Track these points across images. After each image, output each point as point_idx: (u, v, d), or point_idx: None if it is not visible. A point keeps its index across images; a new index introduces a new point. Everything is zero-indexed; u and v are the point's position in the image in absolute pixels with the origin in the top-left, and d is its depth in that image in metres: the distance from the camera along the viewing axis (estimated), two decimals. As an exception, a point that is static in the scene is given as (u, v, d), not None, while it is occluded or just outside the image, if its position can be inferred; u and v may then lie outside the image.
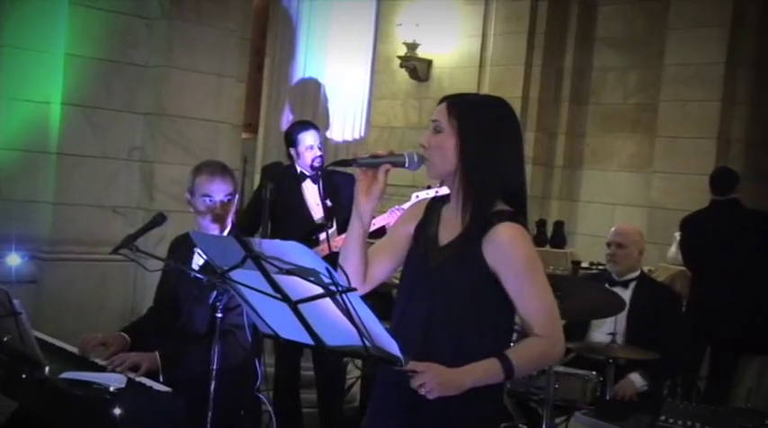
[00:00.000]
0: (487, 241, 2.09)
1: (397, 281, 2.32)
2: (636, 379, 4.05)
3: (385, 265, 2.26)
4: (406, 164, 2.14)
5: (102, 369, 2.89)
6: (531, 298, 2.08)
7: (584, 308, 3.86)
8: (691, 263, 5.84)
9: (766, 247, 5.43)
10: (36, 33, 4.58)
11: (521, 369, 2.05)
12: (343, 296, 1.76)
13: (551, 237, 8.29)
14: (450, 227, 2.18)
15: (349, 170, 4.00)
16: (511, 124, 2.19)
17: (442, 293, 2.12)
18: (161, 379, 2.88)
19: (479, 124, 2.14)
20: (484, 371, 2.03)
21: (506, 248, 2.08)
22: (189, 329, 3.19)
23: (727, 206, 5.55)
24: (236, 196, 3.32)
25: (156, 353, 2.96)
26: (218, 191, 3.24)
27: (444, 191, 2.28)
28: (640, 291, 4.27)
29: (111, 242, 3.13)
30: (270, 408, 3.51)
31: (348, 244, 2.21)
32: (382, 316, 2.18)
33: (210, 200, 3.23)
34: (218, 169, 3.31)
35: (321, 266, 1.76)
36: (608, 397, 3.80)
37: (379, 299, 2.29)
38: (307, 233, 4.59)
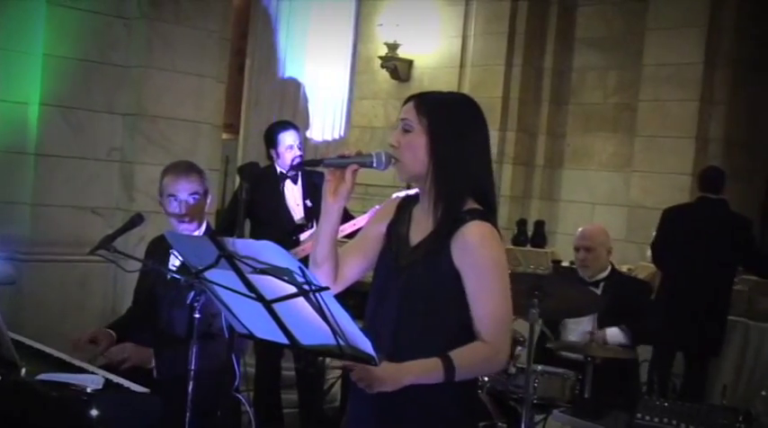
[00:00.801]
0: (456, 239, 2.09)
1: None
2: (614, 333, 4.10)
3: (356, 265, 2.26)
4: (374, 165, 2.13)
5: (78, 370, 2.89)
6: (486, 303, 2.07)
7: (563, 307, 3.88)
8: (663, 254, 5.84)
9: (741, 250, 5.52)
10: (14, 33, 4.56)
11: (462, 372, 2.02)
12: (317, 295, 1.77)
13: (532, 237, 8.32)
14: (420, 227, 2.18)
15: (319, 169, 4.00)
16: (479, 122, 2.19)
17: (412, 292, 2.12)
18: (155, 375, 2.89)
19: (449, 122, 2.14)
20: (424, 370, 2.01)
21: (473, 248, 2.07)
22: (169, 331, 3.20)
23: (717, 204, 5.62)
24: (207, 196, 3.30)
25: (152, 351, 2.99)
26: (182, 190, 3.24)
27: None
28: (610, 289, 4.32)
29: (91, 243, 3.12)
30: (249, 409, 3.52)
31: (318, 244, 2.21)
32: (361, 315, 2.20)
33: (176, 200, 3.24)
34: (182, 169, 3.30)
35: (294, 265, 1.76)
36: (586, 395, 3.83)
37: (361, 299, 2.29)
38: (287, 233, 4.60)
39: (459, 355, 2.03)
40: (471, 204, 2.14)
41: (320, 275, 2.14)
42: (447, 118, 2.14)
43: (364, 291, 2.31)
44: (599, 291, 4.30)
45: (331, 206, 2.16)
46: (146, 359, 2.93)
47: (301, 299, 1.80)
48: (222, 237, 1.88)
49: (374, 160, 2.13)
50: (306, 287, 1.77)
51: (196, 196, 3.24)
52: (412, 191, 2.31)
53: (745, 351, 5.90)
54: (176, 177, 3.26)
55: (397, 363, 1.98)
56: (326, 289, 1.77)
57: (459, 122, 2.15)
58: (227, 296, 1.97)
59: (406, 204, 2.27)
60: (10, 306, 4.32)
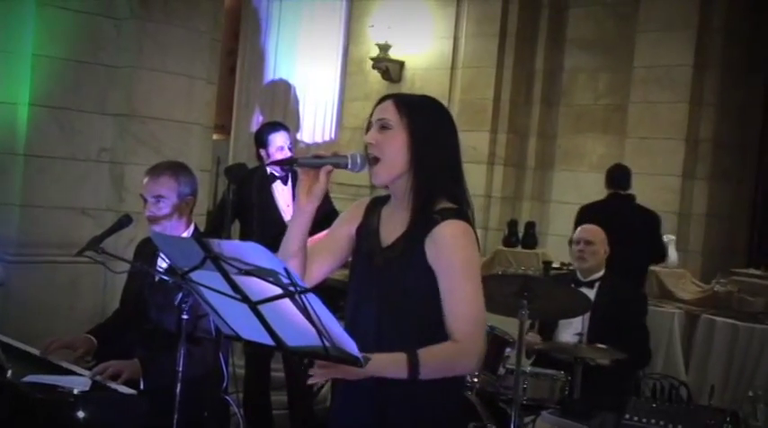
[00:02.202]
0: (429, 239, 2.09)
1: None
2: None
3: (324, 265, 2.26)
4: (349, 166, 2.13)
5: (67, 371, 2.88)
6: (459, 302, 2.06)
7: (552, 308, 3.89)
8: None
9: (647, 240, 5.82)
10: (3, 33, 4.55)
11: (427, 369, 2.00)
12: (302, 296, 1.77)
13: (523, 238, 8.33)
14: (393, 226, 2.18)
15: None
16: (453, 124, 2.23)
17: (389, 293, 2.12)
18: (142, 386, 2.87)
19: (429, 122, 2.16)
20: (388, 364, 1.99)
21: (446, 246, 2.08)
22: (157, 333, 3.18)
23: (626, 199, 6.12)
24: (186, 198, 3.26)
25: (137, 360, 2.95)
26: (148, 192, 3.24)
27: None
28: (605, 291, 4.31)
29: (81, 244, 3.11)
30: (238, 411, 3.51)
31: (288, 243, 2.20)
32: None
33: (145, 202, 3.24)
34: (153, 170, 3.29)
35: (280, 267, 1.76)
36: (575, 396, 3.83)
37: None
38: (278, 234, 4.58)
39: (427, 352, 2.01)
40: (445, 203, 2.15)
41: None
42: (426, 118, 2.16)
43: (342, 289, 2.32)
44: (594, 292, 4.29)
45: (304, 206, 2.17)
46: (135, 372, 2.91)
47: (287, 301, 1.80)
48: (208, 239, 1.88)
49: (349, 161, 2.13)
50: (291, 288, 1.77)
51: (159, 199, 3.21)
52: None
53: (733, 352, 5.92)
54: (146, 179, 3.27)
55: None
56: (312, 290, 1.77)
57: (436, 122, 2.18)
58: (214, 297, 1.97)
59: (374, 206, 2.28)
60: (-2, 307, 4.31)
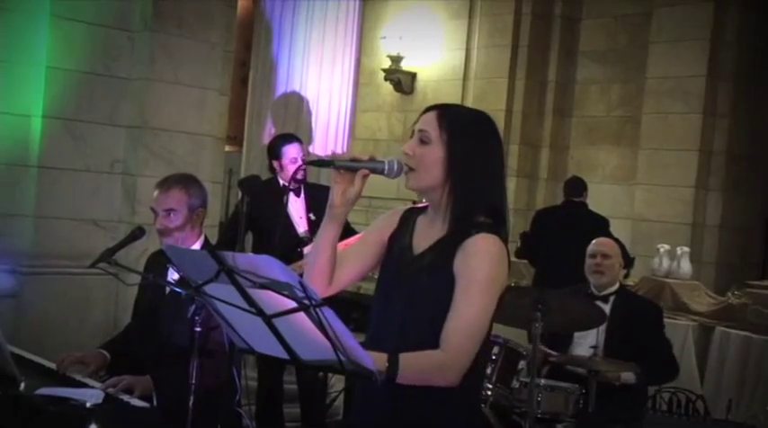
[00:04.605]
0: (462, 248, 2.07)
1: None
2: (629, 376, 4.05)
3: (353, 271, 2.23)
4: (386, 172, 2.09)
5: (79, 384, 2.87)
6: (461, 316, 2.02)
7: (566, 321, 3.86)
8: (535, 249, 6.88)
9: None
10: (17, 46, 4.57)
11: (406, 374, 1.95)
12: (317, 310, 1.75)
13: (536, 250, 8.29)
14: (426, 237, 2.16)
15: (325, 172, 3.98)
16: (497, 141, 2.17)
17: (417, 301, 2.10)
18: (155, 402, 2.85)
19: (471, 140, 2.11)
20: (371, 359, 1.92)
21: (474, 258, 2.05)
22: (169, 345, 3.17)
23: (579, 206, 6.72)
24: (196, 210, 3.24)
25: (149, 377, 2.93)
26: (159, 205, 3.23)
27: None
28: (620, 305, 4.27)
29: (93, 255, 3.10)
30: (251, 423, 3.49)
31: (319, 245, 2.18)
32: (364, 328, 2.18)
33: (155, 214, 3.23)
34: (163, 183, 3.28)
35: (294, 280, 1.75)
36: (590, 409, 3.80)
37: (364, 312, 2.28)
38: (291, 247, 4.58)
39: (409, 357, 1.98)
40: (482, 218, 2.12)
41: (316, 278, 2.13)
42: (468, 136, 2.11)
43: (367, 304, 2.30)
44: (608, 306, 4.25)
45: (337, 209, 2.13)
46: (147, 388, 2.89)
47: (301, 314, 1.79)
48: (222, 251, 1.87)
49: (386, 167, 2.09)
50: (306, 302, 1.76)
51: (170, 212, 3.20)
52: (420, 205, 2.28)
53: (748, 364, 5.86)
54: (157, 192, 3.26)
55: None
56: (326, 304, 1.76)
57: (479, 141, 2.13)
58: (227, 310, 1.95)
59: (410, 214, 2.25)
60: (11, 318, 4.31)
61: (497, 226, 2.12)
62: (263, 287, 1.78)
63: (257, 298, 1.84)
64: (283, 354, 1.92)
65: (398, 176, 2.12)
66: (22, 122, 4.59)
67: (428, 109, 2.17)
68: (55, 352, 3.21)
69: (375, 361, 1.89)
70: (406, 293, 2.12)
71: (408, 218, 2.25)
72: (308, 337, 1.82)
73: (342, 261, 2.22)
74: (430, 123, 2.12)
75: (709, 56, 7.52)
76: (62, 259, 4.62)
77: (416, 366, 1.99)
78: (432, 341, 2.06)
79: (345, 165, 2.10)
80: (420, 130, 2.13)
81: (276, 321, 1.85)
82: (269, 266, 1.76)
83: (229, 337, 2.18)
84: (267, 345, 1.94)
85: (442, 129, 2.10)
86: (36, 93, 4.58)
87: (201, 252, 2.03)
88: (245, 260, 1.82)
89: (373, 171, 2.09)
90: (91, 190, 4.74)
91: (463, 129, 2.12)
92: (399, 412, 2.10)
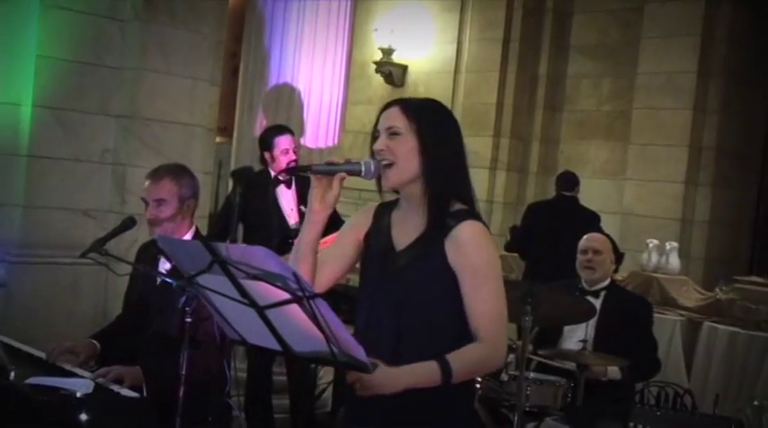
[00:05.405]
0: (450, 240, 2.09)
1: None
2: (614, 370, 4.07)
3: (332, 273, 2.26)
4: (362, 173, 2.13)
5: (70, 374, 2.86)
6: (482, 302, 2.07)
7: (556, 315, 3.87)
8: (527, 242, 6.90)
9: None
10: (7, 34, 4.54)
11: (460, 374, 2.02)
12: (311, 302, 1.76)
13: (525, 244, 8.30)
14: (406, 232, 2.18)
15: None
16: (458, 126, 2.24)
17: (408, 298, 2.11)
18: (144, 393, 2.85)
19: (438, 126, 2.17)
20: (422, 374, 2.00)
21: (468, 247, 2.08)
22: (159, 336, 3.16)
23: (570, 200, 6.77)
24: (186, 201, 3.24)
25: (139, 368, 2.92)
26: (149, 194, 3.24)
27: None
28: (610, 300, 4.29)
29: (83, 245, 3.10)
30: (240, 414, 3.49)
31: (300, 250, 2.20)
32: (353, 320, 2.18)
33: (146, 204, 3.23)
34: (154, 173, 3.29)
35: (288, 272, 1.75)
36: (578, 403, 3.81)
37: (353, 304, 2.28)
38: (281, 238, 4.57)
39: (456, 357, 2.03)
40: (457, 205, 2.15)
41: None
42: (434, 121, 2.17)
43: (355, 296, 2.30)
44: (599, 301, 4.26)
45: (317, 214, 2.16)
46: (137, 379, 2.89)
47: (295, 306, 1.79)
48: (215, 242, 1.86)
49: (362, 168, 2.13)
50: (300, 293, 1.76)
51: (161, 202, 3.20)
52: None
53: (734, 359, 5.90)
54: (147, 182, 3.26)
55: (394, 367, 1.97)
56: (320, 295, 1.76)
57: (444, 125, 2.19)
58: (220, 301, 1.95)
59: (383, 210, 2.27)
60: (-1, 308, 4.30)
61: (473, 211, 2.16)
62: (256, 278, 1.78)
63: (250, 290, 1.84)
64: (276, 346, 1.93)
65: (375, 177, 2.15)
66: (11, 111, 4.56)
67: (386, 106, 2.21)
68: (42, 342, 3.19)
69: (428, 371, 1.97)
70: (393, 298, 2.13)
71: (382, 214, 2.26)
72: (301, 329, 1.82)
73: (320, 264, 2.24)
74: (396, 117, 2.15)
75: (700, 52, 7.54)
76: (51, 249, 4.60)
77: (466, 364, 2.04)
78: (428, 337, 2.07)
79: (323, 170, 2.14)
80: (388, 127, 2.15)
81: (269, 313, 1.85)
82: (263, 257, 1.77)
83: (221, 328, 2.18)
84: (259, 337, 1.94)
85: (410, 120, 2.14)
86: (26, 82, 4.54)
87: (195, 242, 2.03)
88: (239, 251, 1.82)
89: (350, 173, 2.14)
90: (81, 179, 4.72)
91: (429, 116, 2.17)
92: (399, 407, 2.09)
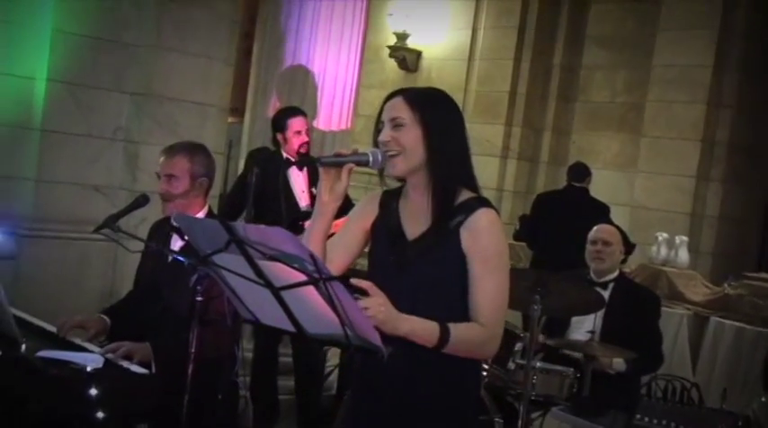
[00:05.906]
0: (466, 226, 2.11)
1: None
2: (620, 362, 4.07)
3: (341, 262, 2.27)
4: (371, 163, 2.14)
5: (80, 348, 2.87)
6: (487, 289, 2.10)
7: (564, 305, 3.87)
8: (532, 234, 6.99)
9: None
10: (23, 7, 4.52)
11: (454, 345, 2.05)
12: (327, 284, 1.75)
13: (534, 233, 8.29)
14: (415, 221, 2.19)
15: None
16: (461, 114, 2.25)
17: (423, 286, 2.12)
18: (153, 369, 2.85)
19: (442, 114, 2.18)
20: (421, 329, 2.03)
21: (483, 234, 2.11)
22: (169, 314, 3.16)
23: (581, 191, 6.77)
24: (197, 178, 3.24)
25: (148, 345, 2.93)
26: (162, 169, 3.25)
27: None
28: (619, 292, 4.28)
29: (93, 221, 3.10)
30: (246, 394, 3.50)
31: (309, 240, 2.20)
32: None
33: (159, 178, 3.24)
34: (169, 149, 3.30)
35: (305, 253, 1.75)
36: (585, 394, 3.81)
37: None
38: (293, 220, 4.57)
39: (458, 328, 2.06)
40: (466, 192, 2.17)
41: None
42: (438, 109, 2.19)
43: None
44: (608, 293, 4.26)
45: (326, 205, 2.17)
46: (146, 356, 2.89)
47: (310, 288, 1.79)
48: (232, 222, 1.86)
49: (370, 159, 2.14)
50: (316, 275, 1.76)
51: (171, 178, 3.21)
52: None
53: (740, 354, 5.90)
54: (162, 157, 3.27)
55: (398, 312, 1.99)
56: (337, 278, 1.76)
57: (448, 114, 2.20)
58: (235, 281, 1.95)
59: (388, 199, 2.28)
60: (9, 281, 4.29)
61: (486, 199, 2.18)
62: (273, 259, 1.78)
63: (266, 270, 1.84)
64: (290, 327, 1.93)
65: (382, 166, 2.17)
66: (26, 85, 4.55)
67: (389, 97, 2.22)
68: (50, 316, 3.20)
69: (428, 329, 2.00)
70: (411, 281, 2.13)
71: (388, 202, 2.27)
72: (316, 311, 1.82)
73: (328, 253, 2.25)
74: (400, 108, 2.16)
75: (716, 46, 7.49)
76: (62, 223, 4.60)
77: (464, 339, 2.07)
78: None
79: (331, 162, 2.15)
80: (392, 118, 2.16)
81: (284, 294, 1.85)
82: (280, 238, 1.76)
83: (232, 308, 2.18)
84: (273, 318, 1.95)
85: (414, 110, 2.15)
86: (41, 56, 4.53)
87: (212, 221, 2.03)
88: (256, 231, 1.82)
89: (358, 164, 2.15)
90: (93, 155, 4.71)
91: (432, 105, 2.18)
92: (405, 392, 2.10)
